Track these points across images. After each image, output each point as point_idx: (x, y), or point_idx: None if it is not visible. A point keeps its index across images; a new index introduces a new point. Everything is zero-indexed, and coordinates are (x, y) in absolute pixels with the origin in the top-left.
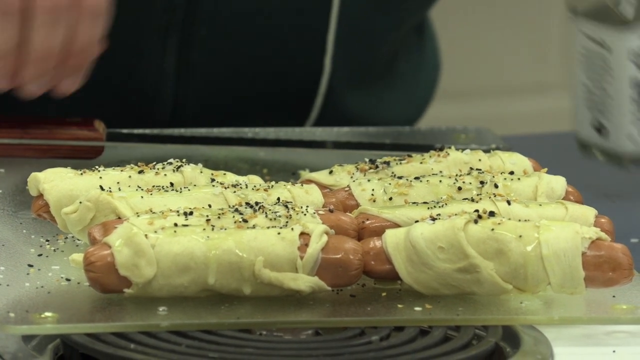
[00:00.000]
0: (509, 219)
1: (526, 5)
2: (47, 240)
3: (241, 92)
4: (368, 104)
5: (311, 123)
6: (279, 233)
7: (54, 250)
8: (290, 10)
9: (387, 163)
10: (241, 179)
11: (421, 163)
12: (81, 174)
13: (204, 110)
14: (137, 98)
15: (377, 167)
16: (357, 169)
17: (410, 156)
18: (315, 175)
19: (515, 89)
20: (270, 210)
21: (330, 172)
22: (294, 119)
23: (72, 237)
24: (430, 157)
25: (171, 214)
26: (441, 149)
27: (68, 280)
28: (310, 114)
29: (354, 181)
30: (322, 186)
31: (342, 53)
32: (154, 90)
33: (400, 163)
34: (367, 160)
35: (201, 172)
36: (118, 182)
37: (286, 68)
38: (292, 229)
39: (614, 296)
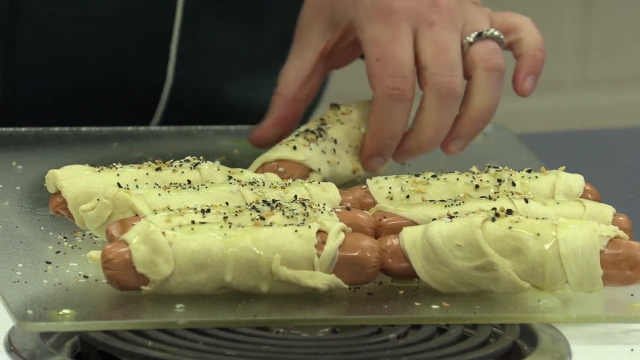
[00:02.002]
0: (527, 217)
1: (542, 3)
2: (65, 238)
3: (74, 92)
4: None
5: (156, 122)
6: (296, 231)
7: (72, 247)
8: (130, 15)
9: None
10: (258, 177)
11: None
12: (99, 171)
13: (35, 110)
14: None
15: (320, 134)
16: (307, 139)
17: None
18: (286, 154)
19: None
20: (287, 207)
21: (294, 147)
22: (138, 119)
23: (90, 234)
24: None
25: (188, 212)
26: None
27: (86, 277)
28: (155, 114)
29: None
30: (296, 163)
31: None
32: None
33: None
34: (307, 129)
35: (218, 169)
36: (135, 180)
37: (124, 71)
38: (310, 226)
39: (632, 294)
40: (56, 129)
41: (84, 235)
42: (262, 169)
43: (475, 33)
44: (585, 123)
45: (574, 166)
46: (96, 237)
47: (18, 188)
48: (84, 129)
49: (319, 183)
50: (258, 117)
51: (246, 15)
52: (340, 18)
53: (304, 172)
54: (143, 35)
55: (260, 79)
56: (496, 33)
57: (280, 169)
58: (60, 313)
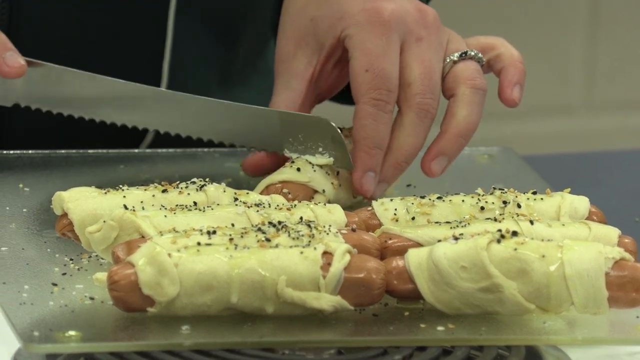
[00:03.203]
0: (532, 238)
1: (548, 27)
2: (71, 259)
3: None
4: None
5: (149, 141)
6: (301, 252)
7: (78, 269)
8: (120, 38)
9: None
10: (264, 198)
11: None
12: (105, 193)
13: (35, 133)
14: None
15: None
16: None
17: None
18: (290, 176)
19: (538, 110)
20: (293, 229)
21: (298, 169)
22: (132, 137)
23: (96, 255)
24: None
25: (194, 233)
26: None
27: (92, 299)
28: (147, 136)
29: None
30: (301, 185)
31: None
32: None
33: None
34: None
35: (224, 191)
36: (142, 202)
37: None
38: (315, 248)
39: (637, 317)
40: (63, 151)
41: (90, 257)
42: (266, 190)
43: (459, 52)
44: (593, 146)
45: (581, 188)
46: (102, 258)
47: (25, 210)
48: (90, 151)
49: (324, 205)
50: None
51: (223, 32)
52: (324, 37)
53: (309, 193)
54: (137, 55)
55: (238, 89)
56: (479, 54)
57: (285, 190)
58: (66, 335)
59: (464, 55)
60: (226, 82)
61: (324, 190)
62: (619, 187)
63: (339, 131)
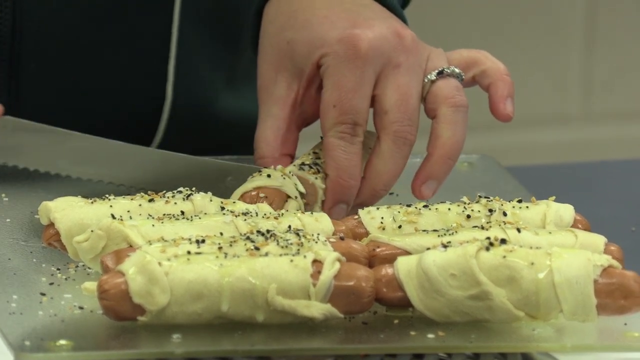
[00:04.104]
0: (520, 246)
1: (545, 37)
2: (58, 269)
3: (79, 122)
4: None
5: (158, 142)
6: (291, 260)
7: (66, 278)
8: (126, 42)
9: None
10: (251, 207)
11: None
12: (91, 202)
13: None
14: None
15: (318, 170)
16: (312, 173)
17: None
18: (263, 183)
19: (535, 120)
20: (281, 237)
21: (268, 175)
22: (140, 141)
23: (83, 265)
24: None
25: (183, 242)
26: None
27: (81, 308)
28: (157, 133)
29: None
30: (274, 190)
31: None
32: None
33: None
34: (303, 162)
35: (211, 200)
36: (128, 211)
37: (124, 95)
38: (305, 256)
39: (625, 324)
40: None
41: (77, 266)
42: (242, 199)
43: (436, 71)
44: (589, 156)
45: (577, 198)
46: (89, 268)
47: (8, 220)
48: None
49: (311, 213)
50: (248, 121)
51: (226, 33)
52: (303, 63)
53: (283, 198)
54: (142, 59)
55: (244, 88)
56: (457, 70)
57: (262, 195)
58: (58, 344)
59: (441, 73)
60: (232, 82)
61: (296, 197)
62: (615, 197)
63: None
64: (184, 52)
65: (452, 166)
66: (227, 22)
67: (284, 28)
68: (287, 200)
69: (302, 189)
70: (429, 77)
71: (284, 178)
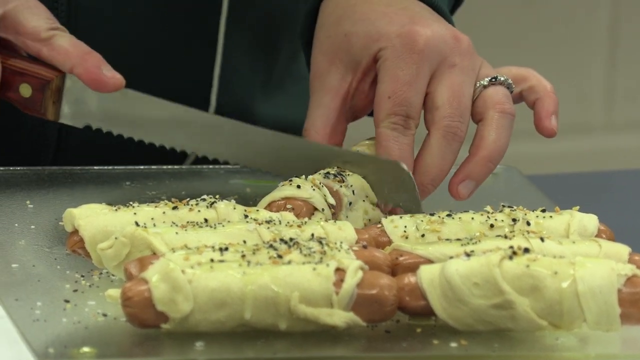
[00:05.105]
0: (544, 255)
1: (568, 47)
2: (82, 276)
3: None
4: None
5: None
6: (314, 269)
7: (89, 285)
8: (173, 49)
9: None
10: (274, 216)
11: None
12: (115, 210)
13: (86, 151)
14: (23, 138)
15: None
16: (336, 181)
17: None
18: (292, 193)
19: (558, 129)
20: (304, 246)
21: (298, 186)
22: (175, 155)
23: (107, 272)
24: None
25: (206, 250)
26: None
27: (105, 315)
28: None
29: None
30: (302, 201)
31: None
32: (39, 133)
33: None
34: (328, 172)
35: (234, 208)
36: (152, 218)
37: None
38: (328, 264)
39: None
40: (67, 168)
41: (100, 273)
42: (269, 207)
43: (489, 77)
44: (612, 165)
45: (600, 207)
46: (113, 275)
47: (33, 227)
48: (95, 167)
49: (334, 222)
50: (282, 128)
51: (266, 42)
52: (359, 55)
53: (310, 210)
54: (188, 66)
55: (277, 95)
56: (509, 80)
57: (289, 206)
58: (81, 351)
59: (493, 80)
60: (267, 89)
61: (323, 209)
62: (630, 207)
63: (411, 175)
64: (228, 59)
65: (491, 169)
66: (268, 29)
67: (341, 20)
68: (313, 213)
69: (332, 201)
70: (481, 82)
71: (314, 189)
